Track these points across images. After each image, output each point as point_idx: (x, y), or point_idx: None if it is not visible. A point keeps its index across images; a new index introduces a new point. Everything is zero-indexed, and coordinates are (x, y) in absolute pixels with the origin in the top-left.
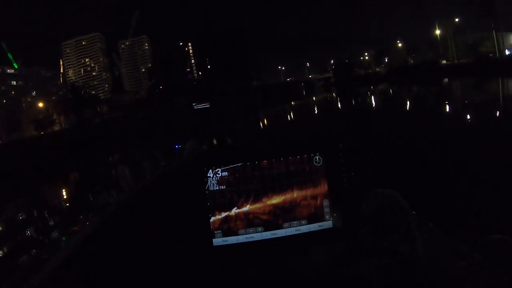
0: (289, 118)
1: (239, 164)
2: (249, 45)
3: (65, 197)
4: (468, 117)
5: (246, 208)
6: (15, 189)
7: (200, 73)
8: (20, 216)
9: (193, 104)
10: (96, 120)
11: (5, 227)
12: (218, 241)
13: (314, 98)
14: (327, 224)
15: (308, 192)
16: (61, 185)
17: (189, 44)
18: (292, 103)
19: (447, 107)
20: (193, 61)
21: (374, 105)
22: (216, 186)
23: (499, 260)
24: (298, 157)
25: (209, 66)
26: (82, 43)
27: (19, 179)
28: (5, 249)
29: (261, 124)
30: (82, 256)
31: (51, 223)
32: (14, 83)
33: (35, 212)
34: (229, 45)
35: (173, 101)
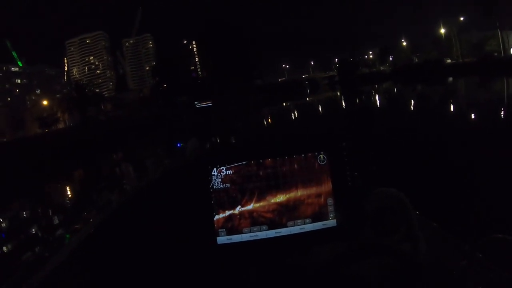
0: (293, 116)
1: (244, 163)
2: (249, 44)
3: (68, 195)
4: (472, 116)
5: (250, 206)
6: (19, 187)
7: (204, 71)
8: (24, 214)
9: (195, 102)
10: (101, 118)
11: (8, 225)
12: (222, 239)
13: (318, 97)
14: (331, 222)
15: (312, 190)
16: (64, 183)
17: (193, 42)
18: (295, 101)
19: (451, 106)
20: (197, 59)
21: (378, 104)
22: (220, 185)
23: (500, 259)
24: (303, 155)
25: (210, 66)
26: (86, 41)
27: (22, 177)
28: (8, 247)
29: (265, 122)
30: (84, 255)
31: (55, 221)
32: (19, 81)
33: (38, 210)
34: (229, 45)
35: (175, 100)
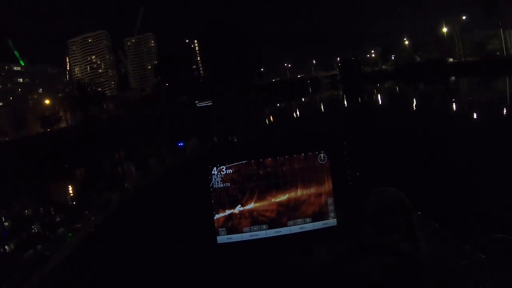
0: (294, 115)
1: (244, 162)
2: (249, 45)
3: (70, 194)
4: (473, 116)
5: (250, 205)
6: (20, 186)
7: (205, 71)
8: (26, 212)
9: (196, 102)
10: (103, 117)
11: (9, 223)
12: (222, 238)
13: (320, 95)
14: (332, 222)
15: (313, 190)
16: (66, 182)
17: (195, 41)
18: (296, 101)
19: (452, 105)
20: (199, 58)
21: (379, 103)
22: (220, 184)
23: (501, 259)
24: (303, 154)
25: (210, 66)
26: (88, 40)
27: (24, 176)
28: (9, 245)
29: (267, 121)
30: (85, 253)
31: (57, 220)
32: (21, 80)
33: (40, 209)
34: (229, 45)
35: (176, 100)
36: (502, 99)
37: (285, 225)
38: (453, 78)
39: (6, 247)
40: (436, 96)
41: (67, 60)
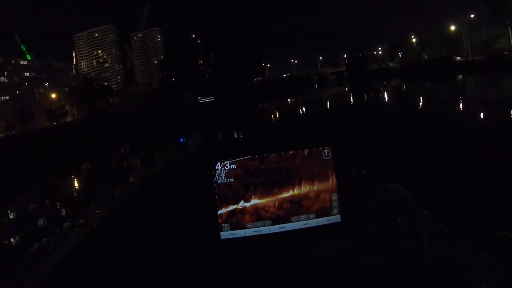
0: (300, 111)
1: (248, 157)
2: (249, 42)
3: (75, 188)
4: (478, 115)
5: (254, 201)
6: (26, 180)
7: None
8: (31, 206)
9: (199, 97)
10: (110, 111)
11: (12, 218)
12: (225, 234)
13: (326, 92)
14: (335, 218)
15: (317, 186)
16: (71, 177)
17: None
18: (297, 97)
19: (458, 104)
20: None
21: (385, 100)
22: (224, 179)
23: (504, 257)
24: (307, 150)
25: (212, 64)
26: (94, 35)
27: (30, 170)
28: (11, 240)
29: (272, 116)
30: (88, 248)
31: (62, 213)
32: (27, 74)
33: (46, 203)
34: (229, 44)
35: (180, 95)
36: (509, 98)
37: (288, 221)
38: (460, 76)
39: (10, 240)
40: (442, 95)
41: (74, 54)
